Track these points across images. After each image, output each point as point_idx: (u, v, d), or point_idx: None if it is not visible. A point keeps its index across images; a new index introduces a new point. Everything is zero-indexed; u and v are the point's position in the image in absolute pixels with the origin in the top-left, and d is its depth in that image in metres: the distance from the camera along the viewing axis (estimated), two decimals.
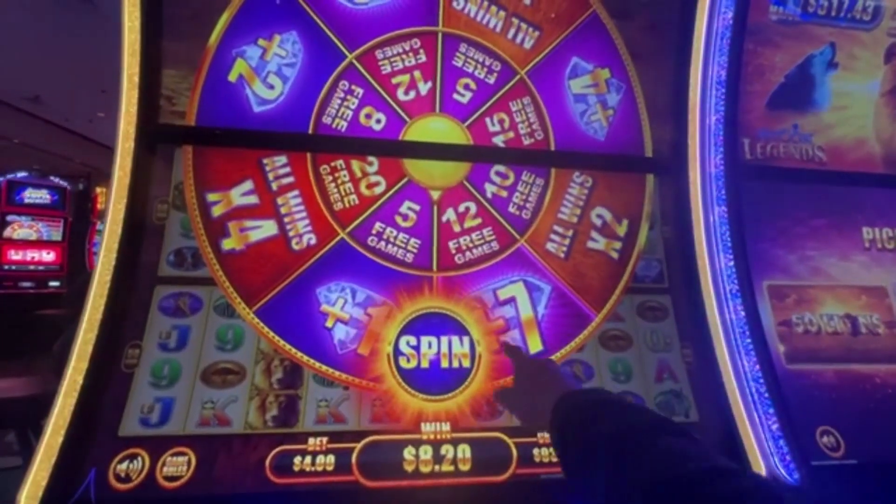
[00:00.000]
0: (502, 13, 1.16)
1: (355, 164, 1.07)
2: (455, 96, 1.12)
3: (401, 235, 1.05)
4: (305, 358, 0.94)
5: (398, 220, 1.06)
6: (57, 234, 5.25)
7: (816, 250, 1.16)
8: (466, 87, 1.13)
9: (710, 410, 1.00)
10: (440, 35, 1.13)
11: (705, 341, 1.05)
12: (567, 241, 1.12)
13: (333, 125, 1.06)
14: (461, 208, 1.09)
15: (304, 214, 1.02)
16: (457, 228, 1.08)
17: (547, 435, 0.92)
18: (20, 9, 3.32)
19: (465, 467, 0.89)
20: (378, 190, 1.07)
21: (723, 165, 1.14)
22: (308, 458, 0.86)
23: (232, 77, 1.04)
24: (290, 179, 1.04)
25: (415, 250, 1.05)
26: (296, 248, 1.00)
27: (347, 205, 1.05)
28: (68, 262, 5.26)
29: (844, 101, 1.26)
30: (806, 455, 0.96)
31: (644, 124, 1.20)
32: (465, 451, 0.90)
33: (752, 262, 1.10)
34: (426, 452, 0.89)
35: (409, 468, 0.87)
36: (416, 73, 1.11)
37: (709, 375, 1.03)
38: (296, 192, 1.03)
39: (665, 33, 1.21)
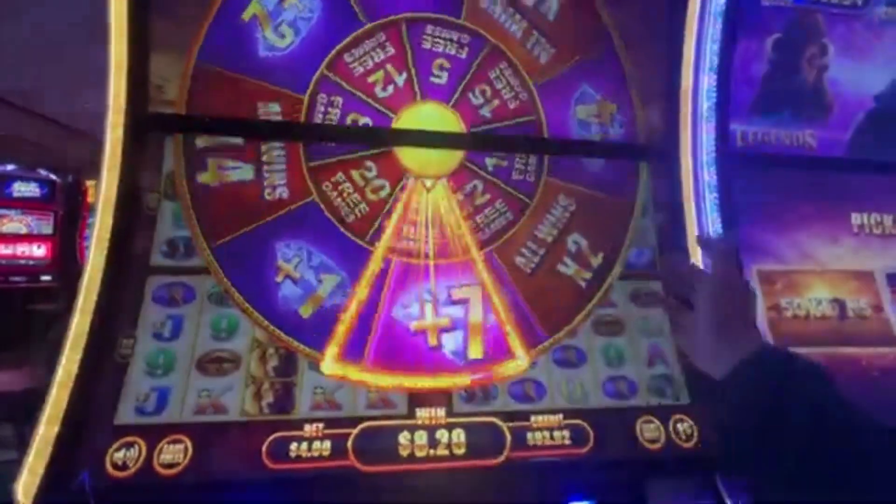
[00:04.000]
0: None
1: (355, 174, 1.06)
2: (433, 80, 1.11)
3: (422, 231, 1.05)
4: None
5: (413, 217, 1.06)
6: (47, 228, 5.17)
7: (806, 235, 1.18)
8: (441, 67, 1.12)
9: (700, 394, 1.02)
10: (403, 23, 1.11)
11: None
12: (536, 259, 1.10)
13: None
14: (468, 189, 1.10)
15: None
16: (469, 210, 1.08)
17: (541, 418, 0.94)
18: None
19: (459, 451, 0.90)
20: (384, 193, 1.06)
21: (714, 152, 1.15)
22: (304, 445, 0.86)
23: (245, 16, 1.03)
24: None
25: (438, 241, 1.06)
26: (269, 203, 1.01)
27: (359, 215, 1.04)
28: (60, 256, 5.20)
29: (835, 86, 1.27)
30: None
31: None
32: (459, 435, 0.91)
33: (742, 248, 1.11)
34: (421, 437, 0.90)
35: (404, 453, 0.89)
36: (389, 67, 1.10)
37: None
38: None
39: (656, 20, 1.20)
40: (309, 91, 1.06)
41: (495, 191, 1.11)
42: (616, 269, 1.12)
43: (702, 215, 1.13)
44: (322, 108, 1.06)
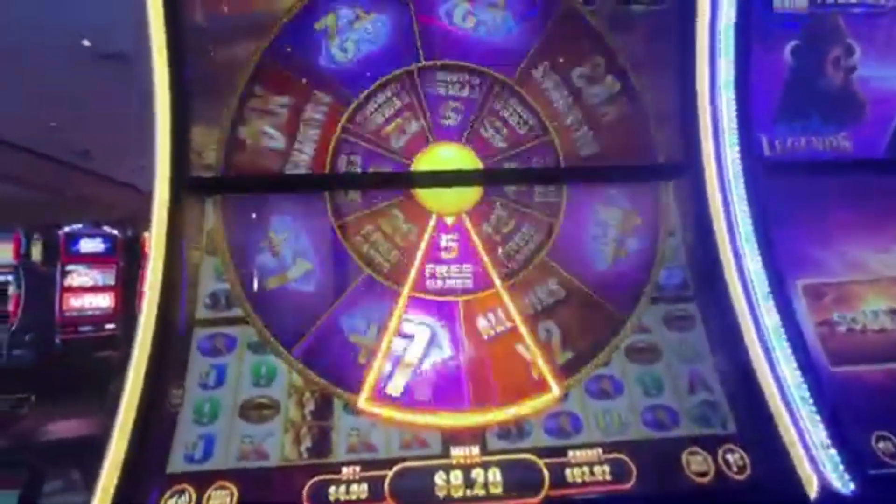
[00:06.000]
0: None
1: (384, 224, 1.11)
2: (443, 122, 1.15)
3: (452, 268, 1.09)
4: None
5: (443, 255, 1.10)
6: (111, 280, 5.60)
7: (851, 244, 1.11)
8: (455, 110, 1.15)
9: (749, 421, 0.96)
10: (416, 71, 1.15)
11: (738, 348, 1.01)
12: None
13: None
14: (493, 219, 1.14)
15: None
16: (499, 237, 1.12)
17: (579, 453, 0.92)
18: (61, 71, 3.64)
19: (496, 490, 0.88)
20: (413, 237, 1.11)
21: (740, 164, 1.12)
22: (343, 488, 0.88)
23: (318, 26, 1.12)
24: None
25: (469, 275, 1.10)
26: None
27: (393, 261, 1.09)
28: (122, 306, 5.59)
29: (867, 85, 1.21)
30: (862, 464, 0.90)
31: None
32: (495, 474, 0.90)
33: (782, 262, 1.06)
34: (457, 477, 0.90)
35: (441, 494, 0.88)
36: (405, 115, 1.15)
37: (745, 384, 0.99)
38: None
39: (666, 41, 1.20)
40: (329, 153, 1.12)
41: (520, 214, 1.14)
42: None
43: (734, 231, 1.10)
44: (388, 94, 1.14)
